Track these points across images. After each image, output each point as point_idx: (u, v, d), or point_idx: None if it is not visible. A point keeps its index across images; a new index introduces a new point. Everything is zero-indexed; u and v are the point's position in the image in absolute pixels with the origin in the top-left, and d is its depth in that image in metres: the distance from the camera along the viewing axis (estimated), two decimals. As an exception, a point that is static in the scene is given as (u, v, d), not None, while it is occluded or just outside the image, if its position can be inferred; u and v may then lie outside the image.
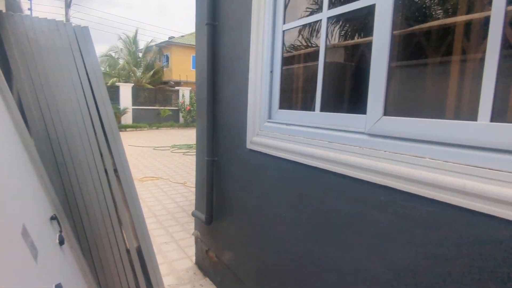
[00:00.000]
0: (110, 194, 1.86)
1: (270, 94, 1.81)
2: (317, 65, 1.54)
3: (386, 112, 1.20)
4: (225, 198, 2.31)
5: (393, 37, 1.16)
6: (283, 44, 1.77)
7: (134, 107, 16.45)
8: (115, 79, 18.66)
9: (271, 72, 1.79)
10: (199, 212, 2.61)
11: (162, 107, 17.53)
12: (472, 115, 0.97)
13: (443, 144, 1.02)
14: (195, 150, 3.28)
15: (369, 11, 1.25)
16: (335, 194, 1.38)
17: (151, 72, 20.12)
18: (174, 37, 24.01)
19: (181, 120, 18.25)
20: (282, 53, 1.77)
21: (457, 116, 1.45)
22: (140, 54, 21.48)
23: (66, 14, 16.30)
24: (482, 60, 0.94)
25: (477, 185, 0.90)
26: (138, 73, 20.20)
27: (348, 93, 2.31)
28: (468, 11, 1.54)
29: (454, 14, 1.69)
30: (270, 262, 1.84)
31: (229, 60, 2.16)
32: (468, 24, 1.46)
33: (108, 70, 20.82)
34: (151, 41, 21.66)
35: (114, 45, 21.39)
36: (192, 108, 17.45)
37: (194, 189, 3.80)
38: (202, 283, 2.57)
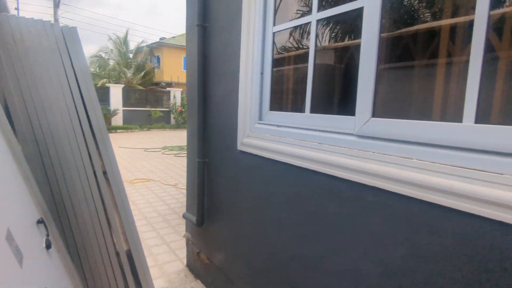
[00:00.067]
0: (99, 197, 1.84)
1: (261, 96, 1.82)
2: (307, 67, 1.55)
3: (375, 114, 1.21)
4: (216, 199, 2.30)
5: (381, 39, 1.18)
6: (274, 45, 1.78)
7: (124, 108, 16.29)
8: (105, 80, 18.46)
9: (262, 73, 1.80)
10: (190, 214, 2.59)
11: (153, 108, 17.39)
12: (458, 117, 0.99)
13: (430, 145, 1.03)
14: (186, 152, 3.26)
15: (358, 13, 1.26)
16: (325, 195, 1.39)
17: (142, 73, 19.95)
18: (165, 38, 23.87)
19: (173, 121, 18.14)
20: (273, 54, 1.78)
21: (443, 118, 1.48)
22: (131, 55, 21.27)
23: (55, 14, 16.07)
24: (467, 63, 0.96)
25: (463, 186, 0.91)
26: (129, 74, 20.00)
27: (338, 95, 2.33)
28: (453, 15, 1.57)
29: (441, 17, 1.72)
30: (261, 263, 1.84)
31: (220, 62, 2.16)
32: (453, 28, 1.49)
33: (98, 71, 20.58)
34: (142, 42, 21.49)
35: (104, 46, 21.12)
36: (183, 109, 17.36)
37: (185, 191, 3.79)
38: (193, 286, 2.55)
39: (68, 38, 1.67)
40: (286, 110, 1.82)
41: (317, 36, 3.12)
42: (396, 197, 1.10)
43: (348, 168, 1.25)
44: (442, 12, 1.71)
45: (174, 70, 21.18)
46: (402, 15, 1.98)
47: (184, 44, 2.63)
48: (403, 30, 1.78)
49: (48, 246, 1.18)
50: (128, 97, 16.80)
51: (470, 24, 0.94)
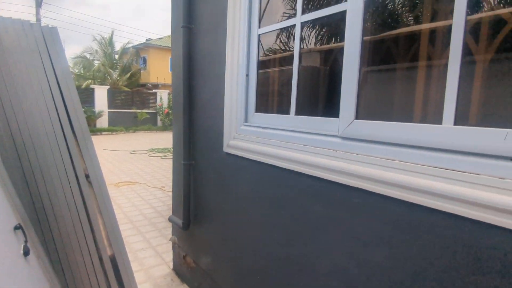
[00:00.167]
0: (82, 201, 1.79)
1: (246, 98, 1.82)
2: (293, 69, 1.55)
3: (358, 116, 1.23)
4: (203, 202, 2.28)
5: (363, 42, 1.20)
6: (259, 48, 1.78)
7: (110, 110, 16.01)
8: (90, 81, 18.11)
9: (247, 75, 1.79)
10: (176, 217, 2.56)
11: (140, 110, 17.16)
12: (438, 119, 1.01)
13: (411, 146, 1.05)
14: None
15: (342, 17, 1.28)
16: (310, 196, 1.39)
17: (128, 75, 19.66)
18: (151, 39, 23.62)
19: (159, 123, 17.94)
20: (258, 56, 1.78)
21: (424, 120, 1.51)
22: (116, 56, 20.95)
23: (37, 13, 15.66)
24: (446, 66, 0.98)
25: (443, 186, 0.93)
26: (114, 75, 19.68)
27: (323, 97, 2.35)
28: (433, 19, 1.61)
29: (421, 21, 1.76)
30: (248, 265, 1.84)
31: (206, 63, 2.15)
32: (432, 32, 1.53)
33: (82, 72, 20.18)
34: (127, 43, 21.21)
35: (89, 47, 20.75)
36: (170, 111, 17.19)
37: (172, 194, 3.75)
38: (179, 290, 2.52)
39: (48, 38, 1.62)
40: (272, 112, 1.83)
41: (303, 38, 3.16)
42: (379, 198, 1.11)
43: (332, 169, 1.26)
44: (422, 16, 1.75)
45: (161, 72, 20.97)
46: (384, 18, 2.02)
47: (171, 45, 2.60)
48: (385, 33, 1.81)
49: (26, 253, 1.15)
50: (113, 99, 16.52)
51: (449, 28, 0.96)
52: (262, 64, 2.49)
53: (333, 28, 2.73)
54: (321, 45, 2.91)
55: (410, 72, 1.68)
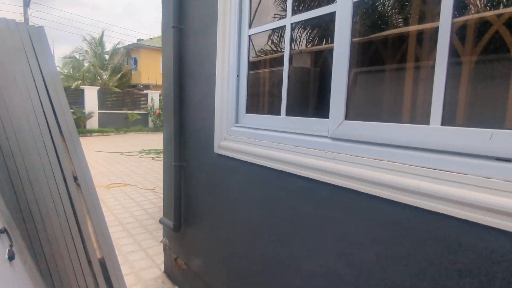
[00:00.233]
0: (70, 203, 1.76)
1: (237, 98, 1.81)
2: (283, 69, 1.56)
3: (348, 116, 1.23)
4: (194, 204, 2.27)
5: (352, 44, 1.20)
6: (249, 48, 1.78)
7: (100, 111, 15.82)
8: (79, 82, 17.87)
9: (238, 76, 1.79)
10: (167, 219, 2.54)
11: (130, 111, 16.99)
12: (425, 119, 1.02)
13: (400, 147, 1.06)
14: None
15: (332, 18, 1.28)
16: (301, 197, 1.39)
17: (119, 75, 19.46)
18: (142, 40, 23.45)
19: (150, 124, 17.79)
20: (249, 57, 1.78)
21: (412, 120, 1.53)
22: (107, 57, 20.73)
23: (25, 13, 15.39)
24: (433, 67, 0.99)
25: (430, 186, 0.94)
26: (105, 76, 19.47)
27: (313, 98, 2.36)
28: (421, 21, 1.63)
29: (409, 23, 1.78)
30: (239, 267, 1.83)
31: (196, 64, 2.14)
32: (420, 34, 1.55)
33: (72, 72, 19.90)
34: (118, 43, 21.00)
35: (79, 47, 20.47)
36: (161, 112, 17.06)
37: (163, 195, 3.71)
38: (171, 292, 2.50)
39: (34, 38, 1.59)
40: (263, 113, 1.82)
41: (294, 39, 3.17)
42: (369, 198, 1.12)
43: (323, 170, 1.26)
44: (411, 18, 1.77)
45: (152, 72, 20.82)
46: (373, 20, 2.04)
47: (161, 46, 2.58)
48: (373, 35, 1.83)
49: (11, 258, 1.12)
50: (104, 100, 16.33)
51: (436, 30, 0.98)
52: (253, 65, 2.49)
53: (324, 29, 2.74)
54: (312, 46, 2.93)
55: (399, 73, 1.70)
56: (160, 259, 2.95)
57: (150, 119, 17.83)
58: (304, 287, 1.42)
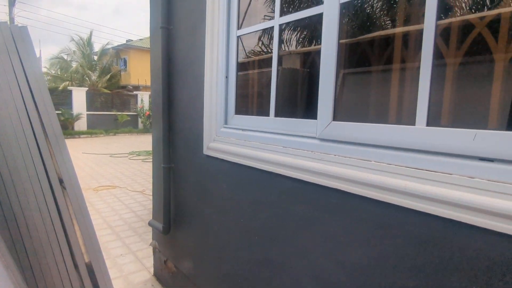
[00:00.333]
0: (55, 207, 1.73)
1: (226, 99, 1.80)
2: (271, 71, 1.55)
3: (335, 117, 1.24)
4: (183, 206, 2.25)
5: (340, 45, 1.21)
6: (238, 49, 1.78)
7: (89, 112, 15.59)
8: (67, 82, 17.58)
9: (227, 77, 1.78)
10: (156, 222, 2.51)
11: (120, 113, 16.79)
12: (411, 120, 1.03)
13: (386, 147, 1.07)
14: (152, 157, 3.16)
15: (320, 19, 1.29)
16: (290, 198, 1.39)
17: (108, 76, 19.21)
18: (132, 40, 23.22)
19: (140, 125, 17.61)
20: (237, 58, 1.78)
21: (398, 121, 1.55)
22: (96, 57, 20.44)
23: (10, 13, 15.07)
24: (419, 68, 1.01)
25: (416, 186, 0.95)
26: (93, 76, 19.20)
27: (302, 99, 2.37)
28: (406, 23, 1.65)
29: (395, 25, 1.81)
30: (229, 269, 1.82)
31: (185, 65, 2.12)
32: (406, 35, 1.57)
33: (59, 73, 19.57)
34: (107, 44, 20.73)
35: (66, 47, 20.14)
36: (151, 113, 16.90)
37: (152, 197, 3.68)
38: (160, 296, 2.47)
39: (17, 38, 1.56)
40: (252, 114, 1.82)
41: (284, 41, 3.18)
42: (356, 199, 1.13)
43: (311, 171, 1.27)
44: (394, 20, 1.80)
45: (142, 73, 20.61)
46: (361, 22, 2.06)
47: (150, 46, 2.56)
48: (360, 37, 1.85)
49: (-8, 263, 1.09)
50: (92, 101, 16.10)
51: (421, 32, 0.99)
52: (242, 66, 2.49)
53: (313, 31, 2.76)
54: (302, 47, 2.94)
55: (386, 75, 1.72)
56: (149, 262, 2.91)
57: (140, 120, 17.65)
58: (293, 287, 1.41)
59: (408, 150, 1.01)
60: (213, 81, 1.81)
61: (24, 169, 1.63)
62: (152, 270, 2.80)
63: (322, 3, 1.24)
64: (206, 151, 1.91)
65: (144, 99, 17.90)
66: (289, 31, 3.03)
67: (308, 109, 2.24)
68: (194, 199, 2.12)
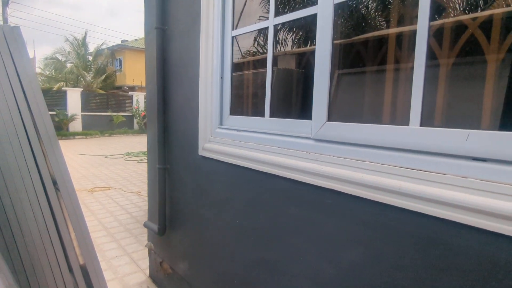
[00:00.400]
0: (49, 209, 1.71)
1: (221, 100, 1.80)
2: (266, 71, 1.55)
3: (330, 118, 1.24)
4: (178, 207, 2.24)
5: (334, 46, 1.21)
6: (233, 50, 1.77)
7: (83, 113, 15.48)
8: (62, 83, 17.45)
9: (222, 78, 1.78)
10: (152, 223, 2.50)
11: (115, 113, 16.69)
12: (405, 120, 1.04)
13: (380, 147, 1.07)
14: (147, 158, 3.15)
15: (315, 20, 1.29)
16: (285, 199, 1.39)
17: (103, 77, 19.10)
18: (127, 41, 23.12)
19: (136, 126, 17.53)
20: (232, 59, 1.77)
21: (392, 121, 1.55)
22: (90, 58, 20.32)
23: (3, 13, 14.93)
24: (412, 69, 1.01)
25: (410, 186, 0.96)
26: (88, 77, 19.07)
27: (297, 99, 2.37)
28: (400, 24, 1.66)
29: (389, 26, 1.81)
30: (225, 270, 1.81)
31: (180, 66, 2.12)
32: (399, 36, 1.58)
33: (54, 73, 19.42)
34: (102, 44, 20.61)
35: (61, 48, 19.99)
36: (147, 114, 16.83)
37: (147, 199, 3.66)
38: (156, 297, 2.46)
39: (10, 38, 1.54)
40: (248, 114, 1.82)
41: (279, 41, 3.18)
42: (351, 199, 1.13)
43: (306, 171, 1.27)
44: (388, 21, 1.81)
45: (137, 74, 20.53)
46: (355, 22, 2.07)
47: (144, 47, 2.55)
48: (355, 38, 1.86)
49: (-16, 267, 1.07)
50: (87, 102, 15.99)
51: (414, 33, 0.99)
52: (237, 67, 2.49)
53: (308, 31, 2.77)
54: (297, 48, 2.95)
55: (380, 75, 1.73)
56: (145, 263, 2.90)
57: (135, 121, 17.57)
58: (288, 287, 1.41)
59: (402, 150, 1.02)
60: (208, 81, 1.81)
61: (16, 171, 1.61)
62: (147, 271, 2.79)
63: (317, 3, 1.25)
64: (201, 152, 1.90)
65: (139, 99, 17.82)
66: (285, 32, 3.03)
67: (303, 110, 2.24)
68: (189, 200, 2.11)
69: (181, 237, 2.25)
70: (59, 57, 20.00)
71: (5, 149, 1.58)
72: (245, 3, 2.02)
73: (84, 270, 1.88)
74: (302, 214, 1.32)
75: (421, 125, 1.00)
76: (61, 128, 14.15)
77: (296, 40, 3.06)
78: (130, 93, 18.55)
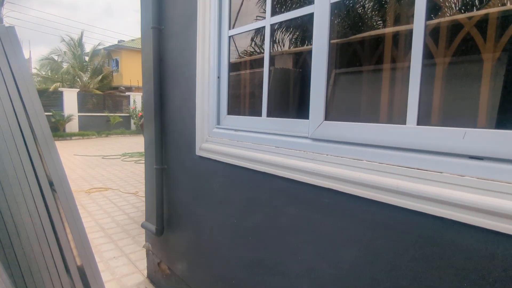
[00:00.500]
0: (45, 210, 1.70)
1: (218, 100, 1.80)
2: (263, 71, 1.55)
3: (327, 117, 1.24)
4: (176, 207, 2.23)
5: (331, 45, 1.21)
6: (230, 49, 1.77)
7: (80, 114, 15.41)
8: (58, 84, 17.35)
9: (218, 77, 1.78)
10: (149, 223, 2.49)
11: (112, 114, 16.62)
12: (402, 119, 1.04)
13: (378, 146, 1.07)
14: (145, 159, 3.14)
15: (312, 19, 1.29)
16: (283, 198, 1.39)
17: (100, 77, 19.02)
18: (124, 41, 23.04)
19: (133, 127, 17.47)
20: (229, 58, 1.77)
21: (389, 120, 1.56)
22: (87, 58, 20.24)
23: (-1, 13, 14.81)
24: (409, 68, 1.01)
25: (408, 184, 0.96)
26: (85, 77, 18.99)
27: (295, 99, 2.37)
28: (397, 23, 1.67)
29: (385, 25, 1.82)
30: (223, 270, 1.81)
31: (177, 65, 2.11)
32: (396, 35, 1.58)
33: (50, 74, 19.32)
34: (98, 44, 20.52)
35: (57, 48, 19.88)
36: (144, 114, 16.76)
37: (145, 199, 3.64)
38: (154, 298, 2.45)
39: (4, 38, 1.53)
40: (245, 114, 1.82)
41: (276, 41, 3.18)
42: (348, 198, 1.13)
43: (304, 171, 1.27)
44: (384, 20, 1.81)
45: (134, 74, 20.46)
46: (352, 22, 2.07)
47: (141, 47, 2.54)
48: (352, 37, 1.86)
49: (-21, 269, 1.06)
50: (84, 102, 15.92)
51: (411, 32, 1.00)
52: (235, 67, 2.48)
53: (305, 31, 2.77)
54: (294, 47, 2.95)
55: (377, 74, 1.73)
56: (143, 264, 2.89)
57: (132, 121, 17.51)
58: (287, 287, 1.41)
59: (399, 149, 1.02)
60: (205, 81, 1.80)
61: (12, 172, 1.60)
62: (145, 272, 2.78)
63: (313, 3, 1.25)
64: (198, 152, 1.90)
65: (136, 100, 17.76)
66: (281, 32, 3.03)
67: (300, 109, 2.25)
68: (187, 200, 2.10)
69: (179, 238, 2.24)
70: (55, 58, 19.90)
71: (1, 151, 1.56)
72: (241, 3, 2.02)
73: (81, 271, 1.87)
74: (300, 213, 1.32)
75: (418, 124, 1.00)
76: (58, 129, 14.07)
77: (293, 39, 3.06)
78: (127, 93, 18.48)
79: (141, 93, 17.46)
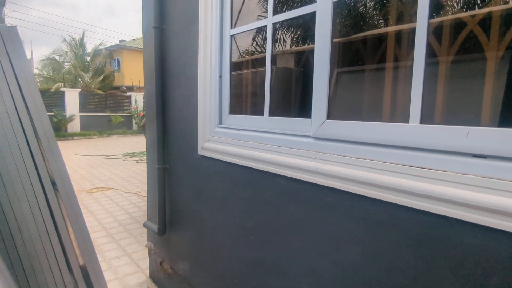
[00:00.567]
0: (48, 210, 1.70)
1: (220, 99, 1.80)
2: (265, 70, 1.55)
3: (330, 116, 1.24)
4: (178, 206, 2.24)
5: (333, 44, 1.21)
6: (231, 49, 1.77)
7: (82, 114, 15.44)
8: (59, 84, 17.41)
9: (220, 77, 1.78)
10: (152, 223, 2.49)
11: (114, 114, 16.66)
12: (405, 118, 1.03)
13: (381, 145, 1.07)
14: (146, 158, 3.14)
15: (314, 18, 1.29)
16: (285, 197, 1.39)
17: (101, 77, 19.07)
18: (125, 41, 23.07)
19: (134, 126, 17.50)
20: (231, 58, 1.77)
21: (392, 119, 1.55)
22: (88, 58, 20.28)
23: (0, 13, 14.87)
24: (412, 66, 1.01)
25: (411, 183, 0.96)
26: (86, 77, 19.05)
27: (297, 97, 2.37)
28: (399, 22, 1.66)
29: (387, 23, 1.81)
30: (225, 270, 1.81)
31: (178, 65, 2.11)
32: (398, 34, 1.58)
33: (52, 74, 19.37)
34: (100, 44, 20.57)
35: (58, 48, 19.93)
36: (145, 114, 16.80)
37: (147, 199, 3.65)
38: (156, 297, 2.45)
39: (6, 38, 1.53)
40: (247, 113, 1.82)
41: (278, 40, 3.17)
42: (351, 197, 1.13)
43: (306, 170, 1.26)
44: (387, 19, 1.80)
45: (136, 74, 20.49)
46: (354, 20, 2.06)
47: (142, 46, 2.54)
48: (354, 35, 1.85)
49: (-17, 268, 1.07)
50: (86, 102, 15.96)
51: (414, 30, 0.99)
52: (236, 66, 2.48)
53: (307, 30, 2.76)
54: (296, 47, 2.94)
55: (379, 73, 1.73)
56: (145, 264, 2.89)
57: (134, 121, 17.54)
58: (288, 287, 1.41)
59: (402, 148, 1.01)
60: (207, 80, 1.80)
61: (15, 172, 1.60)
62: (147, 271, 2.78)
63: (315, 2, 1.24)
64: (200, 151, 1.90)
65: (138, 99, 17.79)
66: (283, 31, 3.03)
67: (303, 108, 2.24)
68: (189, 200, 2.11)
69: (181, 237, 2.24)
70: (57, 58, 19.97)
71: (4, 150, 1.57)
72: (243, 2, 2.02)
73: (84, 270, 1.88)
74: (302, 212, 1.32)
75: (421, 122, 1.00)
76: (60, 129, 14.11)
77: (295, 39, 3.06)
78: (128, 93, 18.51)
79: (143, 93, 17.50)
